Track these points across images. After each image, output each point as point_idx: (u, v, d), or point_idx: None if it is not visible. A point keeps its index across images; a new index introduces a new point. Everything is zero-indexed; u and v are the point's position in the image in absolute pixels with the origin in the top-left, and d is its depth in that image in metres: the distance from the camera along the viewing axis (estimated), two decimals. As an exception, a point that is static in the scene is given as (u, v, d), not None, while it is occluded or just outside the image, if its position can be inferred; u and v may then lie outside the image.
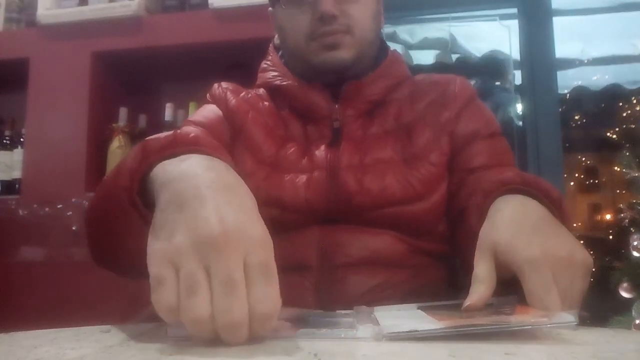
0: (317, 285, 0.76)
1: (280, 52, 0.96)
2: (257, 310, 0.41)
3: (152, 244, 0.45)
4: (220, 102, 0.93)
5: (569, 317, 0.47)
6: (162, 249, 0.44)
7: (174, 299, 0.41)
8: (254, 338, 0.43)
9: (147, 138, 0.60)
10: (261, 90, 0.95)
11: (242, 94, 0.94)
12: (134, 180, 0.55)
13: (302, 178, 0.81)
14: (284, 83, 0.90)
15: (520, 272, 0.53)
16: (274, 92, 0.92)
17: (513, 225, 0.58)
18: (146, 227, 0.49)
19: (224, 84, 0.96)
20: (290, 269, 0.77)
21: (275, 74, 0.92)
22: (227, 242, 0.42)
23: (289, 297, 0.76)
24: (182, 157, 0.54)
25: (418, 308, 0.60)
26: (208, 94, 0.96)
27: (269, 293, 0.42)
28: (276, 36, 0.96)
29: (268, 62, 0.95)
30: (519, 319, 0.49)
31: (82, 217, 0.76)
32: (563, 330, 0.49)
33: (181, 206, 0.46)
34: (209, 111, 0.92)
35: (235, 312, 0.41)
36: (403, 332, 0.47)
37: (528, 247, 0.54)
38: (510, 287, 0.59)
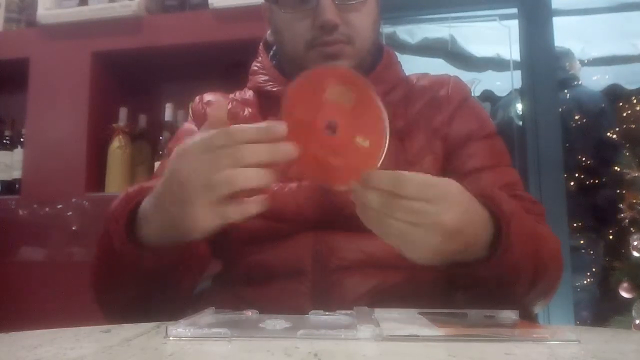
0: (313, 290, 0.75)
1: (271, 53, 0.93)
2: None
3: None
4: (199, 119, 0.91)
5: (571, 335, 0.47)
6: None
7: None
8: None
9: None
10: (249, 94, 0.92)
11: None
12: (120, 222, 0.65)
13: (292, 186, 0.79)
14: (275, 89, 0.87)
15: None
16: (264, 96, 0.89)
17: None
18: (141, 268, 0.65)
19: (205, 97, 0.94)
20: (285, 274, 0.76)
21: (266, 78, 0.89)
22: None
23: (286, 302, 0.76)
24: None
25: (419, 313, 0.60)
26: (190, 108, 0.95)
27: None
28: (269, 32, 0.93)
29: (258, 65, 0.92)
30: (520, 332, 0.50)
31: (89, 278, 0.85)
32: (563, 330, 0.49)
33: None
34: (187, 137, 0.89)
35: None
36: (403, 335, 0.47)
37: None
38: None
